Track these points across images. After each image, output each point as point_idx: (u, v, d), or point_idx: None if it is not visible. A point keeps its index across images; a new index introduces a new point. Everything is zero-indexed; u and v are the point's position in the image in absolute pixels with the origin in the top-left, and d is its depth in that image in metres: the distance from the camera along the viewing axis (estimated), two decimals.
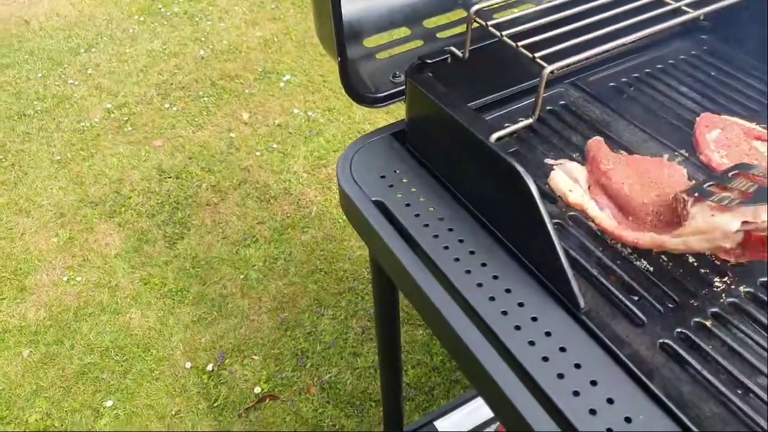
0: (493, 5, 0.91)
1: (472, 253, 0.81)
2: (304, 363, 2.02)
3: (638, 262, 0.78)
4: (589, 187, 0.86)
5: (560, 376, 0.67)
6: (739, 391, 0.65)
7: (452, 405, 1.77)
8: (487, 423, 1.70)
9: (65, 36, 3.58)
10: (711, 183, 0.75)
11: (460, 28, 1.07)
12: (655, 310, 0.73)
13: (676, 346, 0.69)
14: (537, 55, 0.72)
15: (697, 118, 0.94)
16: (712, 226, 0.70)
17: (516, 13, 0.86)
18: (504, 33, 0.78)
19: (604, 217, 0.80)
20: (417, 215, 0.86)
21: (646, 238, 0.76)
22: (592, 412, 0.64)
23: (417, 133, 0.93)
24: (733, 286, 0.75)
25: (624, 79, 1.07)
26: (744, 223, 0.70)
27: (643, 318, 0.72)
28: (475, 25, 0.82)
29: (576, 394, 0.65)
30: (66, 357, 2.05)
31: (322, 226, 2.45)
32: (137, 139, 2.88)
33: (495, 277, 0.78)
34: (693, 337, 0.70)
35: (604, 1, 0.86)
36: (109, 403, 1.92)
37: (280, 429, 1.87)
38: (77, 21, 3.71)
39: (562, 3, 0.86)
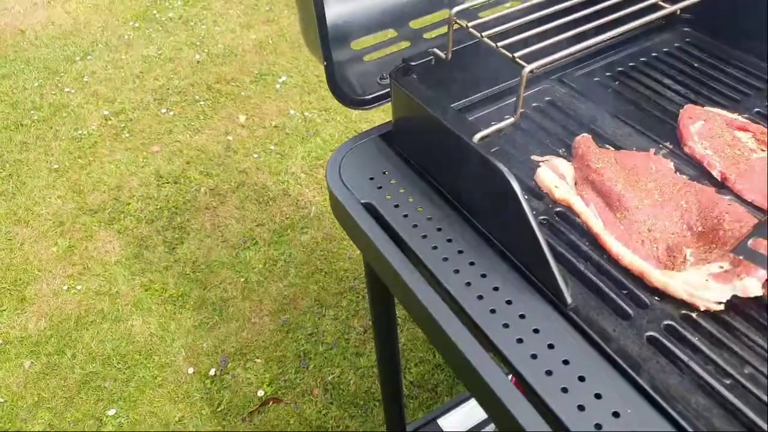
0: (476, 5, 0.92)
1: (460, 252, 0.81)
2: (306, 365, 2.03)
3: None
4: (576, 183, 0.87)
5: (548, 372, 0.68)
6: (727, 382, 0.65)
7: (455, 402, 1.78)
8: (490, 420, 1.71)
9: (61, 44, 3.59)
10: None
11: (446, 29, 1.07)
12: (642, 304, 0.73)
13: (663, 339, 0.69)
14: (516, 54, 0.73)
15: (681, 111, 0.94)
16: (703, 290, 0.71)
17: (498, 12, 0.86)
18: (484, 34, 0.78)
19: (590, 214, 0.81)
20: (406, 216, 0.87)
21: (629, 258, 0.76)
22: (581, 408, 0.64)
23: (403, 134, 0.94)
24: None
25: (608, 74, 1.08)
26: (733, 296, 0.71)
27: (630, 311, 0.72)
28: (457, 26, 0.83)
29: (564, 390, 0.66)
30: (68, 367, 2.06)
31: (321, 226, 2.46)
32: (135, 146, 2.89)
33: (483, 276, 0.78)
34: (680, 329, 0.70)
35: None
36: (111, 412, 1.93)
37: (285, 431, 1.88)
38: (72, 29, 3.72)
39: (542, 2, 0.86)
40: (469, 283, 0.77)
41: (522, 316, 0.73)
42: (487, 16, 0.89)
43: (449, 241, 0.83)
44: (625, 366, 0.67)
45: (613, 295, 0.74)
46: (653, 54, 1.12)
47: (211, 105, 3.11)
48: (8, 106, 3.15)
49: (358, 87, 1.00)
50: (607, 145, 0.94)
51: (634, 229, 0.80)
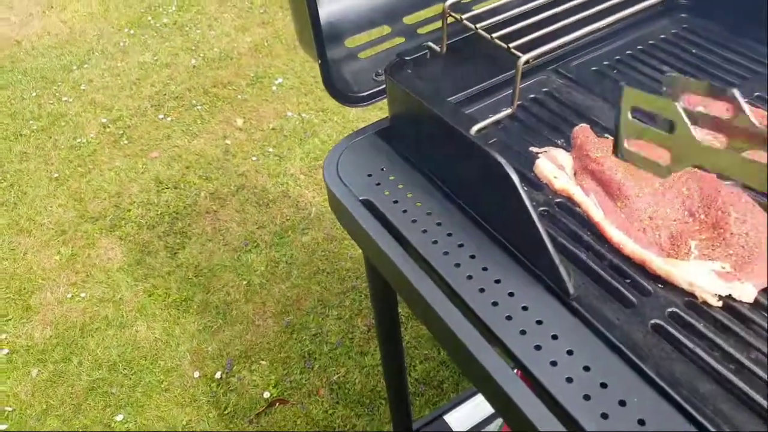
0: None
1: (461, 246, 0.81)
2: (311, 365, 2.03)
3: None
4: (575, 173, 0.86)
5: (553, 363, 0.67)
6: (733, 367, 0.65)
7: (461, 398, 1.78)
8: (497, 414, 1.71)
9: (57, 54, 3.59)
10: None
11: (440, 23, 1.07)
12: (646, 291, 0.73)
13: (667, 326, 0.69)
14: (512, 45, 0.72)
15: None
16: (703, 282, 0.71)
17: (492, 3, 0.86)
18: (479, 25, 0.78)
19: (590, 204, 0.80)
20: (405, 211, 0.87)
21: (630, 247, 0.75)
22: (586, 397, 0.64)
23: (400, 129, 0.94)
24: None
25: (606, 63, 1.07)
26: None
27: (634, 300, 0.72)
28: (451, 19, 0.82)
29: (569, 380, 0.66)
30: (74, 374, 2.06)
31: (321, 226, 2.46)
32: (134, 152, 2.89)
33: (484, 269, 0.78)
34: (684, 315, 0.70)
35: None
36: (119, 418, 1.93)
37: None
38: (68, 38, 3.72)
39: None
40: (470, 276, 0.77)
41: (525, 308, 0.73)
42: (481, 8, 0.89)
43: (449, 235, 0.82)
44: (630, 354, 0.66)
45: (616, 284, 0.73)
46: (650, 41, 1.11)
47: (209, 109, 3.11)
48: (7, 117, 3.15)
49: (353, 84, 1.00)
50: (606, 135, 0.93)
51: (635, 217, 0.79)
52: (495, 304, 0.74)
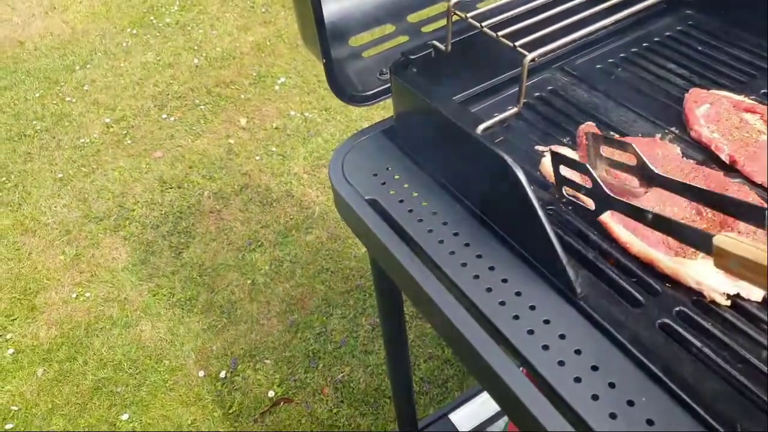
0: None
1: (467, 245, 0.81)
2: (316, 364, 2.03)
3: None
4: None
5: (561, 363, 0.67)
6: (741, 366, 0.65)
7: (466, 396, 1.78)
8: (502, 412, 1.71)
9: (60, 54, 3.59)
10: None
11: (444, 21, 1.07)
12: (653, 291, 0.72)
13: (675, 326, 0.68)
14: (518, 43, 0.72)
15: (686, 94, 0.93)
16: (711, 281, 0.70)
17: (497, 2, 0.86)
18: (484, 24, 0.77)
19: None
20: (411, 211, 0.86)
21: (637, 246, 0.75)
22: (594, 397, 0.64)
23: (405, 128, 0.93)
24: None
25: (611, 60, 1.07)
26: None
27: (641, 299, 0.71)
28: (456, 17, 0.82)
29: (578, 380, 0.65)
30: (80, 373, 2.06)
31: (325, 225, 2.46)
32: (137, 152, 2.90)
33: (491, 269, 0.78)
34: (692, 315, 0.69)
35: None
36: (125, 417, 1.94)
37: (296, 431, 1.87)
38: (71, 39, 3.72)
39: None
40: (477, 276, 0.77)
41: (532, 307, 0.73)
42: (485, 5, 0.89)
43: (455, 234, 0.82)
44: (638, 354, 0.66)
45: (624, 283, 0.73)
46: (655, 38, 1.10)
47: (212, 109, 3.11)
48: (11, 117, 3.15)
49: (358, 84, 1.00)
50: (612, 133, 0.93)
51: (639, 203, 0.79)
52: (502, 303, 0.73)
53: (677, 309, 0.70)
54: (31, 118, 3.14)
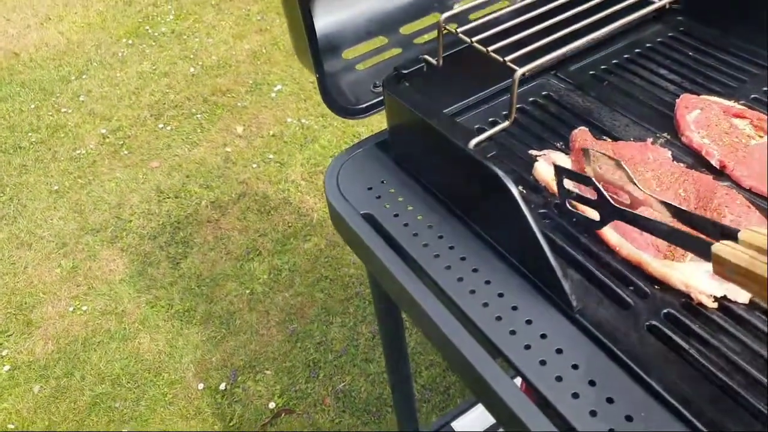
0: (465, 8, 0.91)
1: (463, 259, 0.80)
2: (316, 374, 2.02)
3: None
4: None
5: (558, 378, 0.67)
6: (727, 368, 0.65)
7: (468, 404, 1.77)
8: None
9: (55, 65, 3.59)
10: None
11: (437, 32, 1.07)
12: (643, 293, 0.73)
13: (663, 327, 0.69)
14: (508, 58, 0.72)
15: (677, 100, 0.93)
16: (699, 283, 0.71)
17: (488, 16, 0.85)
18: (474, 39, 0.77)
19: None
20: (406, 225, 0.86)
21: (627, 249, 0.76)
22: (593, 413, 0.64)
23: (399, 142, 0.93)
24: None
25: (603, 67, 1.07)
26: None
27: (631, 301, 0.72)
28: (447, 32, 0.82)
29: (575, 396, 0.65)
30: (77, 389, 2.05)
31: (324, 233, 2.45)
32: (134, 162, 2.89)
33: (487, 282, 0.77)
34: (680, 317, 0.70)
35: None
36: None
37: None
38: (66, 49, 3.72)
39: (532, 2, 0.85)
40: (473, 291, 0.76)
41: (528, 322, 0.72)
42: (477, 19, 0.89)
43: (451, 248, 0.82)
44: (635, 367, 0.66)
45: (614, 286, 0.74)
46: (647, 44, 1.11)
47: (208, 117, 3.10)
48: (6, 129, 3.15)
49: (351, 96, 1.00)
50: (605, 137, 0.94)
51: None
52: (499, 318, 0.73)
53: (665, 311, 0.71)
54: (26, 129, 3.14)
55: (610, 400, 0.64)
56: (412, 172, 0.92)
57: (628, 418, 0.63)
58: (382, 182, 0.93)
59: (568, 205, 0.78)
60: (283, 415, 1.93)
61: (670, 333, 0.68)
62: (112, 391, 2.03)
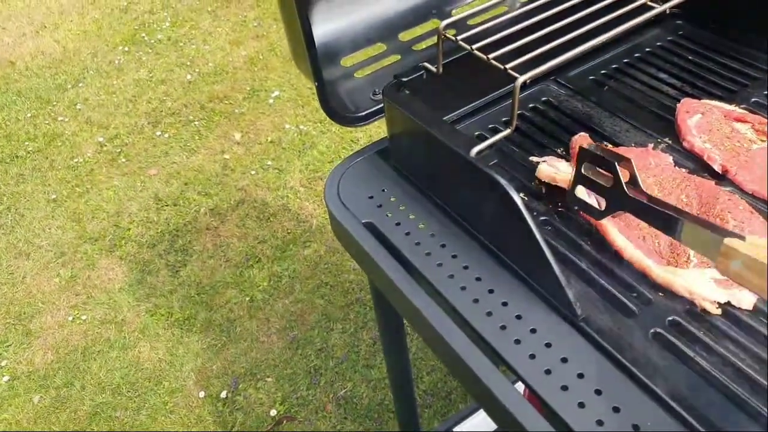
0: (464, 14, 0.91)
1: (465, 268, 0.80)
2: (317, 380, 2.01)
3: None
4: None
5: (564, 388, 0.66)
6: (732, 374, 0.65)
7: (471, 409, 1.76)
8: None
9: (52, 73, 3.58)
10: None
11: (436, 38, 1.06)
12: (646, 300, 0.72)
13: (668, 335, 0.69)
14: (508, 66, 0.72)
15: (678, 105, 0.93)
16: (702, 290, 0.71)
17: (488, 23, 0.85)
18: (474, 46, 0.77)
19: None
20: (408, 234, 0.86)
21: (630, 251, 0.75)
22: (600, 422, 0.63)
23: (400, 150, 0.93)
24: None
25: (603, 72, 1.07)
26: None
27: (635, 309, 0.72)
28: (446, 39, 0.81)
29: (581, 405, 0.65)
30: (77, 399, 2.04)
31: (323, 239, 2.45)
32: (132, 170, 2.88)
33: (490, 291, 0.77)
34: (684, 323, 0.70)
35: (572, 3, 0.85)
36: None
37: None
38: (62, 57, 3.71)
39: (532, 9, 0.85)
40: (477, 300, 0.76)
41: (533, 331, 0.72)
42: (476, 25, 0.88)
43: (454, 257, 0.81)
44: (640, 375, 0.66)
45: (617, 293, 0.73)
46: (647, 49, 1.11)
47: (206, 124, 3.10)
48: (2, 139, 3.14)
49: (351, 105, 0.99)
50: (606, 143, 0.93)
51: (634, 224, 0.79)
52: (503, 327, 0.73)
53: (670, 318, 0.70)
54: (23, 139, 3.13)
55: (616, 410, 0.64)
56: (413, 181, 0.92)
57: (635, 428, 0.62)
58: (383, 191, 0.92)
59: (577, 192, 0.76)
60: (284, 422, 1.92)
61: (674, 340, 0.68)
62: (113, 401, 2.02)
